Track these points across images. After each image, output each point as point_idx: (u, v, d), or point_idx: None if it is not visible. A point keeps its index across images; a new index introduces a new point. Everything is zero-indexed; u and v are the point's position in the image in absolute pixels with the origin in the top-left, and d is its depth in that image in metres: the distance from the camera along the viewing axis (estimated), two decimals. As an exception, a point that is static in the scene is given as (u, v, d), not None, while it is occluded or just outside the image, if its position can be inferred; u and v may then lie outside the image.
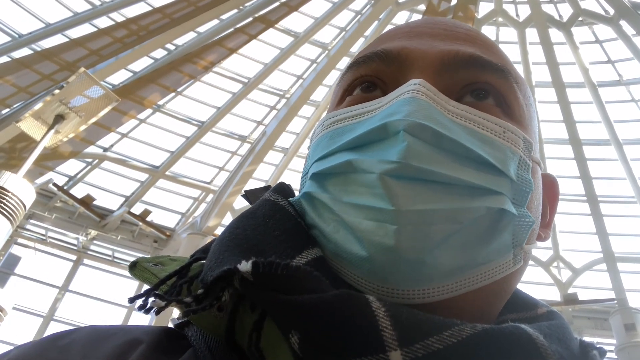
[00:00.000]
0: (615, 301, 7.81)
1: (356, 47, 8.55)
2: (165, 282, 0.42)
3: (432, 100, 0.43)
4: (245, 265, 0.36)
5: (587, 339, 0.43)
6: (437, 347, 0.32)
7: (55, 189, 7.84)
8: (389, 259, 0.38)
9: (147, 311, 0.40)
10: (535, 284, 8.65)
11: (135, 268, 0.46)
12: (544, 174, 0.53)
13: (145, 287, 0.43)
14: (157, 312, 0.40)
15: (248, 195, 0.56)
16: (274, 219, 0.44)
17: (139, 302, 0.40)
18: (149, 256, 0.48)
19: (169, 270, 0.45)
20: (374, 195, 0.39)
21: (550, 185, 0.54)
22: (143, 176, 8.61)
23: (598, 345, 0.43)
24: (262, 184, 9.03)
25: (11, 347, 0.42)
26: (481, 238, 0.40)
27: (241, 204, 8.73)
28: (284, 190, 0.50)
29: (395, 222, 0.38)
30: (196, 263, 0.45)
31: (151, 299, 0.40)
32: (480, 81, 0.47)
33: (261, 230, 0.42)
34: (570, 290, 8.31)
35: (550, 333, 0.38)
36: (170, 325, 0.47)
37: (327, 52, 8.67)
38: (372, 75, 0.49)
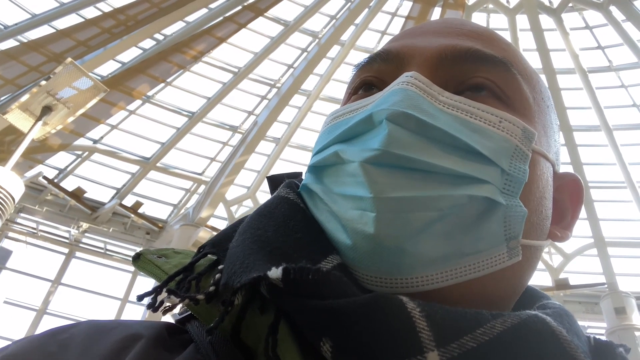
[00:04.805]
0: (606, 285, 7.91)
1: (347, 35, 8.51)
2: (173, 278, 0.42)
3: (422, 91, 0.43)
4: (275, 272, 0.35)
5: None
6: (471, 345, 0.32)
7: (45, 182, 7.77)
8: (370, 247, 0.38)
9: (156, 309, 0.39)
10: (527, 269, 8.72)
11: (139, 260, 0.45)
12: (567, 173, 0.53)
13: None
14: (171, 309, 0.40)
15: (271, 181, 0.55)
16: (295, 220, 0.43)
17: (147, 299, 0.39)
18: (152, 248, 0.47)
19: (173, 263, 0.44)
20: (356, 184, 0.40)
21: (573, 185, 0.53)
22: (134, 168, 8.55)
23: (621, 344, 0.43)
24: (254, 175, 9.03)
25: (4, 341, 0.41)
26: (466, 227, 0.39)
27: (233, 194, 8.72)
28: (294, 187, 0.49)
29: (375, 209, 0.38)
30: (204, 258, 0.44)
31: (164, 296, 0.40)
32: (478, 74, 0.47)
33: (282, 232, 0.41)
34: (562, 276, 8.40)
35: (570, 328, 0.39)
36: (171, 320, 0.46)
37: (317, 40, 8.62)
38: (374, 75, 0.50)
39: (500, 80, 0.47)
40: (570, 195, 0.53)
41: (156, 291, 0.41)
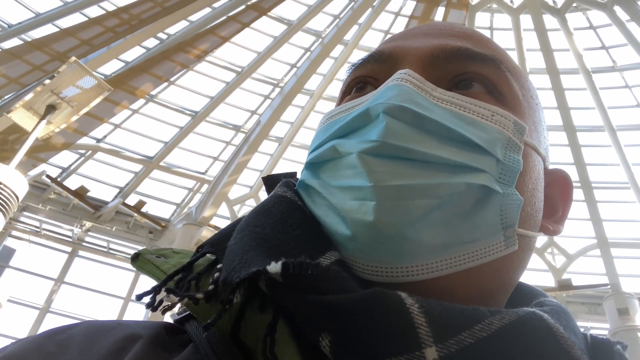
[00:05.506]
0: (609, 286, 7.89)
1: (350, 35, 8.50)
2: (172, 277, 0.42)
3: (416, 87, 0.44)
4: (274, 267, 0.35)
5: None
6: (469, 341, 0.32)
7: (48, 180, 7.79)
8: (370, 236, 0.38)
9: (155, 308, 0.40)
10: (530, 270, 8.70)
11: (137, 260, 0.46)
12: (556, 169, 0.54)
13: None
14: (170, 308, 0.40)
15: (267, 181, 0.55)
16: (293, 218, 0.43)
17: (147, 299, 0.40)
18: (151, 248, 0.47)
19: (172, 263, 0.44)
20: (355, 175, 0.41)
21: (562, 181, 0.54)
22: (137, 167, 8.57)
23: (618, 341, 0.44)
24: (257, 174, 9.03)
25: (7, 339, 0.41)
26: (464, 215, 0.40)
27: (236, 194, 8.73)
28: (291, 185, 0.50)
29: (374, 197, 0.39)
30: (203, 258, 0.44)
31: (163, 295, 0.40)
32: (469, 71, 0.48)
33: (280, 229, 0.42)
34: (565, 276, 8.38)
35: (567, 325, 0.39)
36: (170, 320, 0.46)
37: (320, 40, 8.62)
38: (367, 75, 0.51)
39: (490, 77, 0.48)
40: (561, 191, 0.54)
41: (155, 290, 0.41)
